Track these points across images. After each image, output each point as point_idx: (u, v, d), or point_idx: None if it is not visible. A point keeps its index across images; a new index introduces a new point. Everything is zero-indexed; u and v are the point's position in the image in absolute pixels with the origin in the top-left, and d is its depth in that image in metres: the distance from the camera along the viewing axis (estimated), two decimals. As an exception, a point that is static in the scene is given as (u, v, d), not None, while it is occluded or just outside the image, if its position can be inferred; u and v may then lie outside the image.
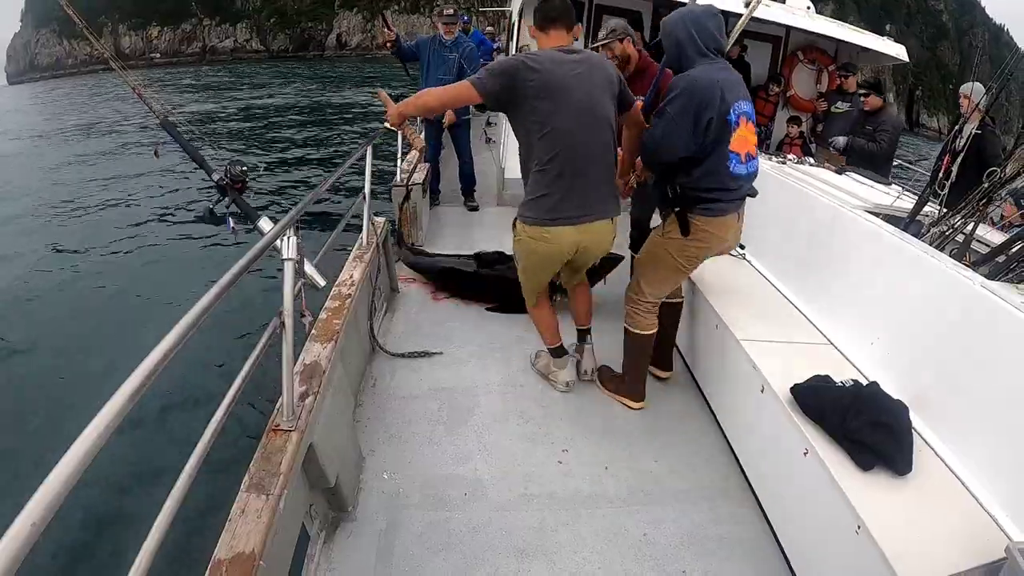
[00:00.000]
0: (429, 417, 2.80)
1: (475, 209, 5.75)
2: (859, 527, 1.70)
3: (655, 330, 2.85)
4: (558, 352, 3.04)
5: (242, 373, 1.60)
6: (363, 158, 3.49)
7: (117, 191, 11.00)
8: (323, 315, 2.62)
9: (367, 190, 3.49)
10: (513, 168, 5.40)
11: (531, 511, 2.30)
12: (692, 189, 2.45)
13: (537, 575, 2.04)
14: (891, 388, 2.13)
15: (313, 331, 2.45)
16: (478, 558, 2.09)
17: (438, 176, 5.81)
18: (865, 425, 1.87)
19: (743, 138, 2.35)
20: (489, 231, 5.23)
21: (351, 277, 3.04)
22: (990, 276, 2.04)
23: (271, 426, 1.80)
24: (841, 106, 5.79)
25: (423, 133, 5.58)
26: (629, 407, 2.88)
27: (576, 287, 3.10)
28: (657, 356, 3.08)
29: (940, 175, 2.33)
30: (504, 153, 5.95)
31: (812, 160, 4.62)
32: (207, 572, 1.38)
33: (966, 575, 1.57)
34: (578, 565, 2.09)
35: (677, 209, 2.51)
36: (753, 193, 2.56)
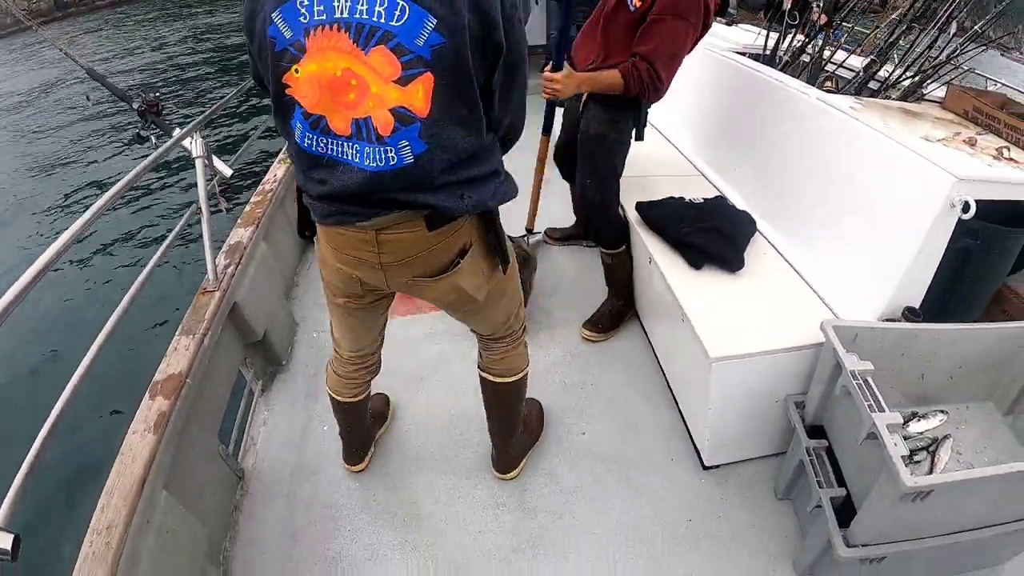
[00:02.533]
0: None
1: None
2: (683, 316, 1.91)
3: (353, 398, 1.82)
4: None
5: (161, 248, 1.92)
6: None
7: (61, 138, 11.09)
8: (247, 208, 2.80)
9: None
10: None
11: (432, 345, 2.58)
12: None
13: (433, 391, 2.36)
14: (745, 203, 2.29)
15: (239, 220, 2.65)
16: (386, 389, 2.33)
17: None
18: (697, 230, 2.05)
19: (328, 81, 1.01)
20: None
21: (275, 176, 3.18)
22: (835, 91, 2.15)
23: (199, 291, 2.06)
24: None
25: None
26: None
27: None
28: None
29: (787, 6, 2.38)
30: None
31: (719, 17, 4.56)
32: (147, 391, 1.66)
33: (781, 351, 1.77)
34: (469, 382, 2.31)
35: None
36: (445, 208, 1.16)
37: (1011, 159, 1.70)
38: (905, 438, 1.73)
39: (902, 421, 1.40)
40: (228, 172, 2.54)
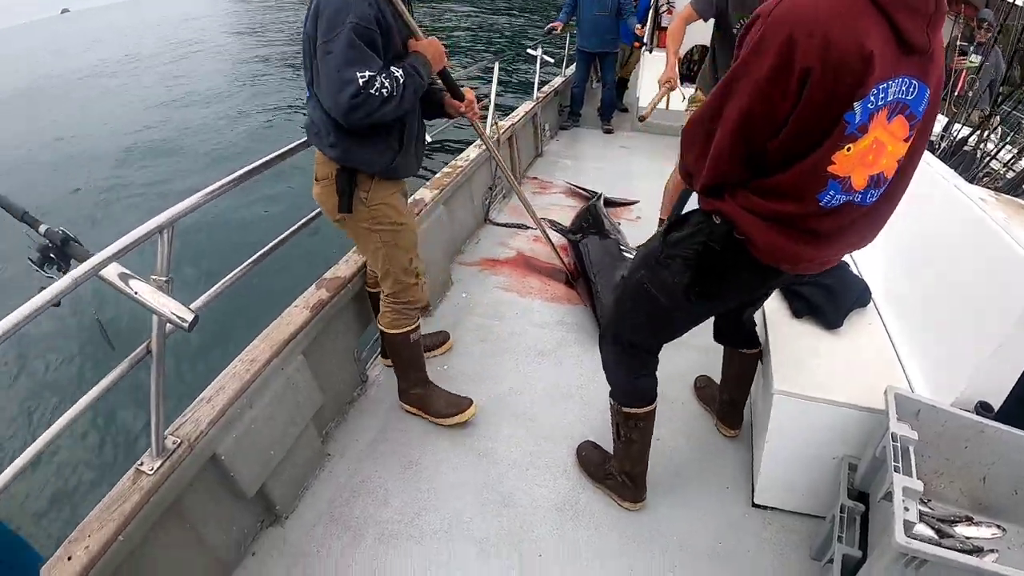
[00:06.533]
0: (501, 269, 3.50)
1: (610, 132, 6.14)
2: (767, 349, 2.05)
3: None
4: None
5: None
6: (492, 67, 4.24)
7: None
8: (437, 175, 3.40)
9: (493, 93, 4.17)
10: (647, 99, 5.76)
11: (559, 330, 2.98)
12: None
13: (545, 364, 2.74)
14: (870, 274, 2.35)
15: (428, 182, 3.27)
16: (508, 352, 2.80)
17: (582, 100, 6.23)
18: (808, 284, 2.14)
19: None
20: (613, 152, 5.68)
21: (468, 156, 3.75)
22: (973, 181, 2.13)
23: None
24: (975, 60, 4.43)
25: (576, 63, 6.06)
26: None
27: None
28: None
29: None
30: (640, 84, 6.25)
31: None
32: (315, 283, 2.26)
33: (844, 406, 1.82)
34: (576, 365, 2.72)
35: None
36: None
37: None
38: (947, 535, 1.69)
39: (921, 489, 1.44)
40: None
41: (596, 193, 4.27)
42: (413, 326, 2.27)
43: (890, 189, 1.36)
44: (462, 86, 2.18)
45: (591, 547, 1.95)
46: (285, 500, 2.02)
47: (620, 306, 1.78)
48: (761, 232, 1.36)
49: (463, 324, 2.97)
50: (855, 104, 1.17)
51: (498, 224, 4.01)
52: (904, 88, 1.21)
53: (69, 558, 1.39)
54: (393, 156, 1.93)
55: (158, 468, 1.56)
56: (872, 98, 1.17)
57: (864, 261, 2.50)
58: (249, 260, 1.96)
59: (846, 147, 1.22)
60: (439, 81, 2.12)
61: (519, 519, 2.02)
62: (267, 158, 1.91)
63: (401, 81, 1.73)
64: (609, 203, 4.27)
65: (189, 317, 1.33)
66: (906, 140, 1.28)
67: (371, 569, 1.88)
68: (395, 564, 1.90)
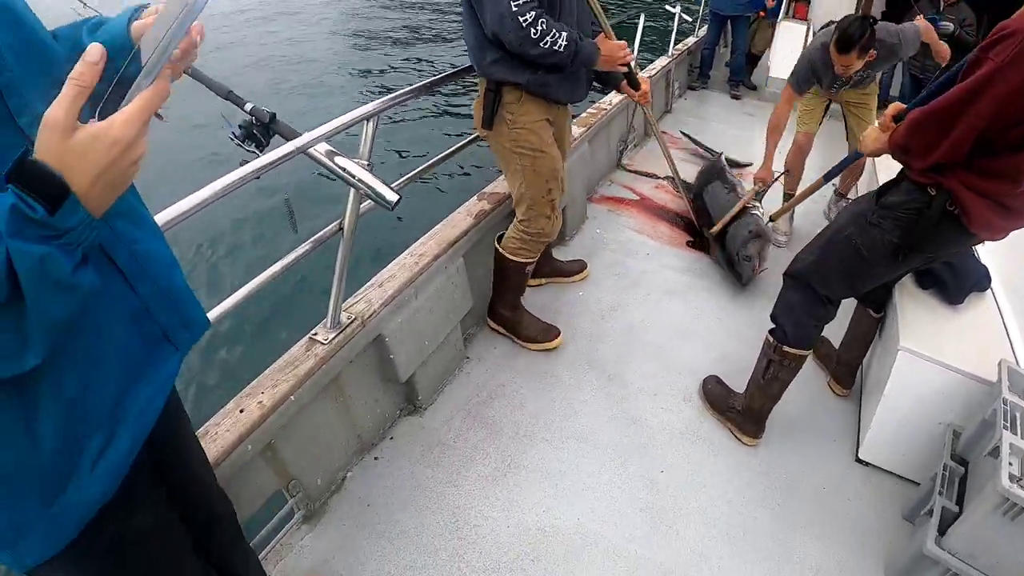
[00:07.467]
0: (629, 211, 3.75)
1: (736, 98, 6.11)
2: (894, 306, 2.23)
3: None
4: None
5: None
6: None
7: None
8: (584, 115, 3.66)
9: (636, 47, 4.33)
10: (779, 67, 5.73)
11: (684, 275, 3.21)
12: None
13: (674, 305, 2.98)
14: (992, 260, 2.45)
15: (575, 120, 3.48)
16: (639, 287, 3.07)
17: (711, 62, 6.25)
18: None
19: None
20: (738, 117, 5.71)
21: (611, 101, 3.96)
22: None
23: None
24: (945, 27, 4.09)
25: (709, 25, 6.08)
26: None
27: None
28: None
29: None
30: (772, 53, 6.19)
31: None
32: (476, 195, 2.58)
33: (960, 372, 1.97)
34: (698, 312, 2.92)
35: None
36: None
37: None
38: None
39: (1026, 449, 1.60)
40: None
41: (717, 153, 4.38)
42: (532, 259, 2.41)
43: None
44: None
45: (709, 470, 2.16)
46: (427, 392, 2.22)
47: (823, 258, 1.98)
48: (977, 205, 1.63)
49: (598, 257, 3.23)
50: None
51: (628, 170, 4.26)
52: None
53: (241, 411, 1.48)
54: (537, 67, 2.00)
55: (332, 339, 1.69)
56: None
57: (985, 251, 2.58)
58: (441, 155, 2.24)
59: None
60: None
61: (645, 437, 2.25)
62: (459, 69, 2.18)
63: (561, 44, 1.88)
64: (729, 163, 4.39)
65: (393, 197, 1.38)
66: None
67: (505, 462, 2.09)
68: (529, 460, 2.11)
